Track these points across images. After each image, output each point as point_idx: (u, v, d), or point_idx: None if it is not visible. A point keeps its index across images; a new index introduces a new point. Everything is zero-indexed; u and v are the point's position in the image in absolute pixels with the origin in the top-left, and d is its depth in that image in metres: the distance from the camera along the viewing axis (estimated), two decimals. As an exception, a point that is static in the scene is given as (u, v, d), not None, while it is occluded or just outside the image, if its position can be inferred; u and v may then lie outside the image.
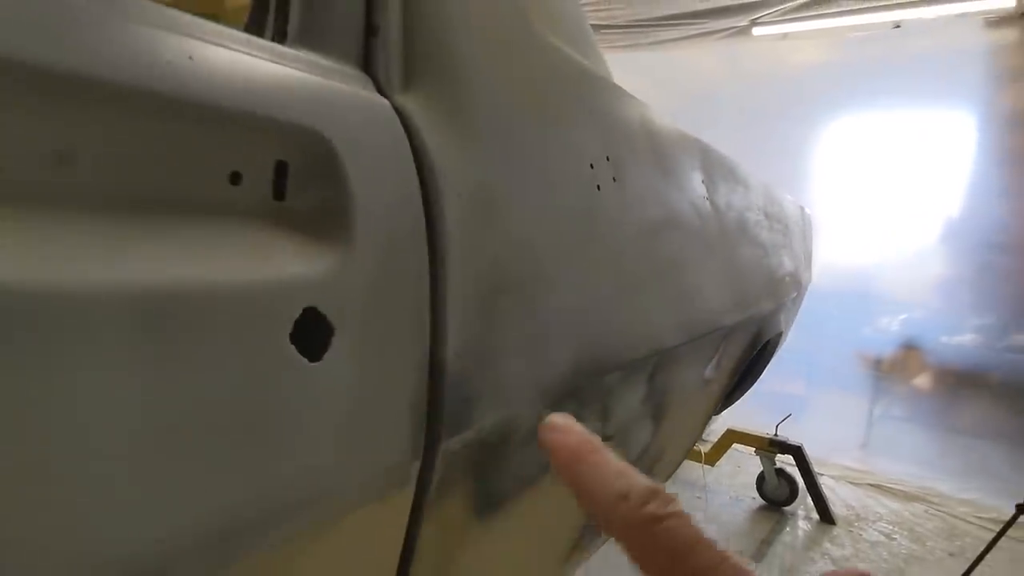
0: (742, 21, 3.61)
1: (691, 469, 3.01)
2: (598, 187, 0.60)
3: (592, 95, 0.64)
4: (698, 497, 2.90)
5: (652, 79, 4.19)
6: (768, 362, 1.74)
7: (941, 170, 3.41)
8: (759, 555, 2.49)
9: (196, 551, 0.25)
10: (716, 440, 2.99)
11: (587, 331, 0.54)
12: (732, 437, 2.93)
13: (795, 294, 1.63)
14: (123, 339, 0.23)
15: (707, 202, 0.96)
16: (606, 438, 0.67)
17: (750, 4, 3.48)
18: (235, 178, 0.29)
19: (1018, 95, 3.11)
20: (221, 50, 0.29)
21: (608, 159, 0.63)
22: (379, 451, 0.33)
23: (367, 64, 0.39)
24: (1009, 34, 3.12)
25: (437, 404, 0.36)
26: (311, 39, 0.36)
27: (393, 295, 0.34)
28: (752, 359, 1.45)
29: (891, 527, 2.76)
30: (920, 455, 3.37)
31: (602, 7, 3.69)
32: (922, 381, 3.65)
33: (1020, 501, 1.90)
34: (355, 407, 0.32)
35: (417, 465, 0.36)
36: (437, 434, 0.36)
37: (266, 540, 0.28)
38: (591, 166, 0.59)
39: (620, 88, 0.75)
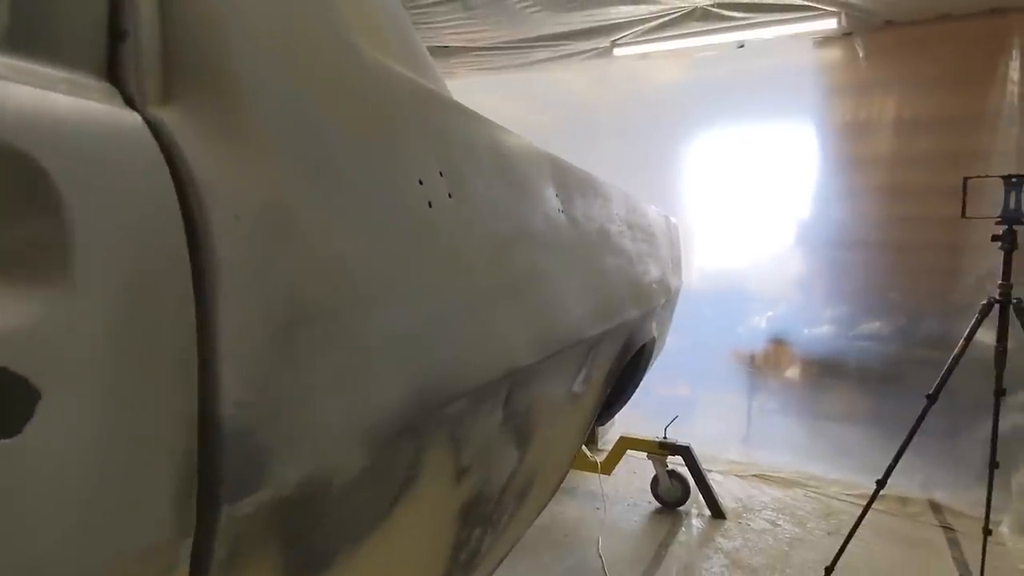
0: (604, 42, 3.76)
1: (589, 480, 3.04)
2: (429, 203, 0.57)
3: (422, 110, 0.61)
4: (597, 508, 2.93)
5: (526, 99, 4.28)
6: (646, 368, 1.78)
7: (790, 177, 3.70)
8: (658, 557, 2.54)
9: None
10: (610, 449, 3.05)
11: (423, 358, 0.50)
12: (625, 444, 2.99)
13: (664, 300, 1.68)
14: None
15: (561, 215, 0.95)
16: (462, 470, 0.64)
17: (610, 26, 3.63)
18: None
19: (847, 107, 3.44)
20: None
21: (441, 174, 0.60)
22: (125, 537, 0.27)
23: (112, 73, 0.33)
24: (835, 53, 3.45)
25: (213, 465, 0.31)
26: (26, 43, 0.30)
27: (137, 344, 0.28)
28: (628, 367, 1.47)
29: (775, 514, 2.92)
30: (794, 443, 3.61)
31: (465, 30, 3.72)
32: (790, 373, 3.91)
33: (879, 477, 2.05)
34: (81, 487, 0.26)
35: (189, 543, 0.30)
36: (216, 501, 0.31)
37: None
38: (420, 182, 0.56)
39: (459, 104, 0.72)
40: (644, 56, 3.87)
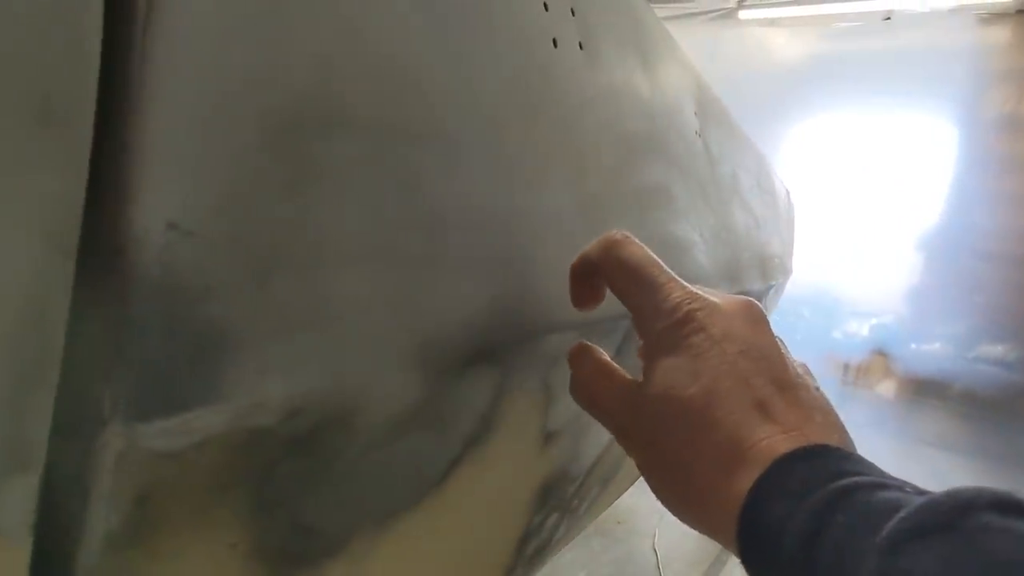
0: (729, 2, 3.43)
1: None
2: (554, 42, 0.38)
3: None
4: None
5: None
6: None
7: (923, 173, 3.29)
8: (720, 561, 2.34)
9: None
10: (678, 440, 2.83)
11: (518, 258, 0.33)
12: (695, 437, 2.77)
13: (781, 279, 1.45)
14: None
15: (699, 138, 0.75)
16: (550, 435, 0.46)
17: (739, -16, 3.31)
18: None
19: (1009, 98, 3.00)
20: None
21: (573, 13, 0.42)
22: None
23: None
24: (1002, 32, 3.00)
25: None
26: None
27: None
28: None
29: (855, 539, 2.64)
30: (882, 463, 3.26)
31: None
32: (887, 388, 3.56)
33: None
34: None
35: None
36: (100, 414, 0.15)
37: None
38: (545, 6, 0.38)
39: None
40: (772, 22, 3.51)
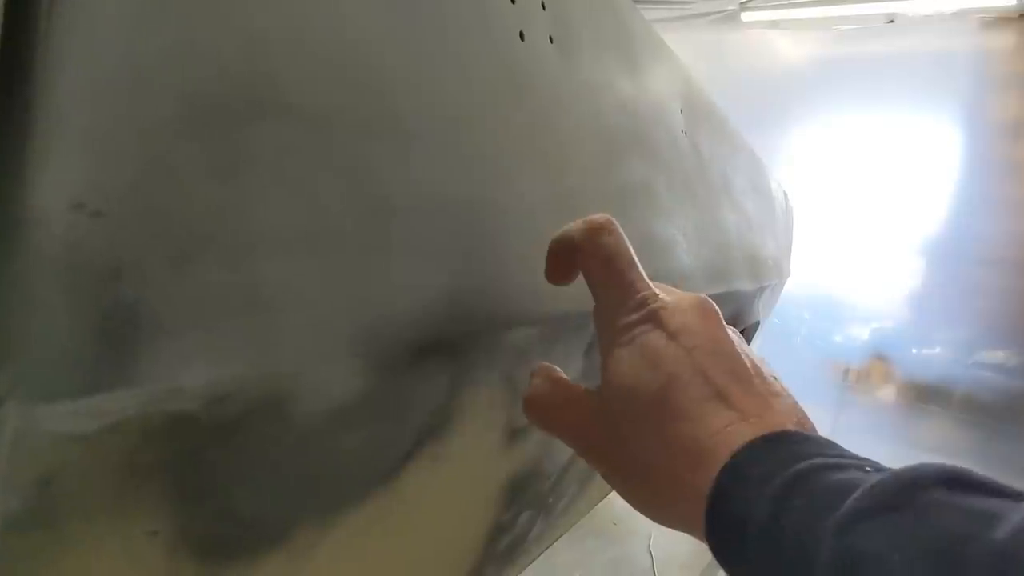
0: (731, 4, 3.42)
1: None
2: (521, 35, 0.38)
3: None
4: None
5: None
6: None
7: (925, 178, 3.28)
8: (715, 564, 2.32)
9: None
10: (675, 442, 2.83)
11: (476, 247, 0.33)
12: (692, 440, 2.77)
13: (776, 281, 1.44)
14: None
15: (684, 136, 0.74)
16: (516, 430, 0.46)
17: (742, -14, 3.30)
18: None
19: (1012, 103, 2.98)
20: None
21: (544, 6, 0.41)
22: None
23: None
24: (1007, 37, 2.98)
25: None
26: None
27: None
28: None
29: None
30: (881, 469, 3.27)
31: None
32: (887, 393, 3.55)
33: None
34: None
35: None
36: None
37: None
38: (512, 0, 0.38)
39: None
40: (775, 24, 3.50)
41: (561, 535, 0.83)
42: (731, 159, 1.04)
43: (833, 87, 3.45)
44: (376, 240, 0.26)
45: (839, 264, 3.54)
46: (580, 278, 0.35)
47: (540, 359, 0.39)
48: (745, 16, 3.46)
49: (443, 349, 0.31)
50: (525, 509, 0.53)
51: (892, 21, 3.19)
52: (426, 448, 0.33)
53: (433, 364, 0.31)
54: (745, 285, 1.05)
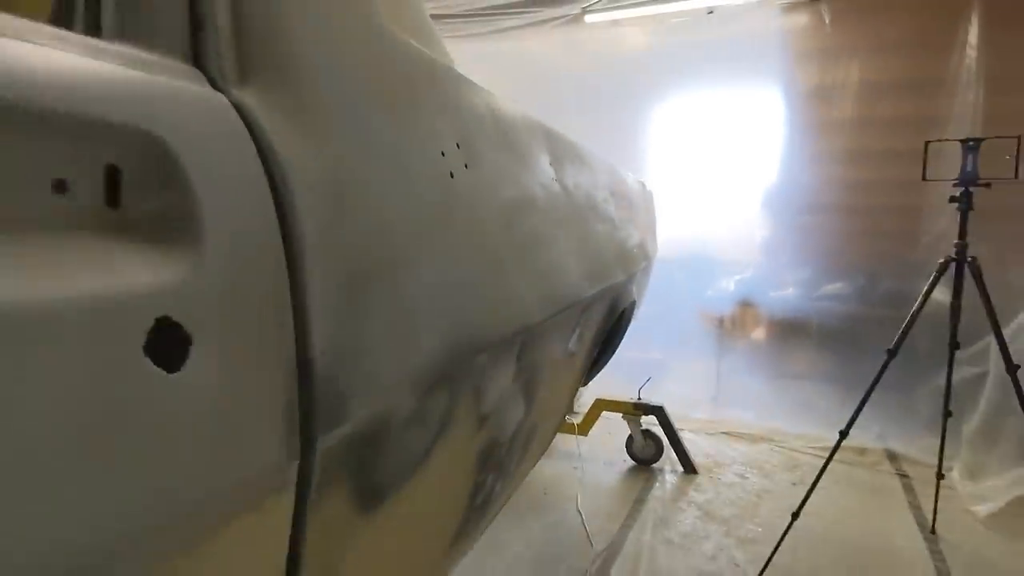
0: (575, 9, 3.77)
1: (567, 441, 3.14)
2: (451, 174, 0.61)
3: (439, 84, 0.65)
4: (575, 467, 3.03)
5: (496, 66, 4.25)
6: (625, 331, 1.86)
7: (758, 142, 3.78)
8: (635, 511, 2.66)
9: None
10: (587, 411, 3.15)
11: (454, 314, 0.56)
12: (601, 406, 3.10)
13: (644, 264, 1.75)
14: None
15: (556, 183, 1.00)
16: (482, 417, 0.69)
17: (581, -7, 3.64)
18: (59, 186, 0.26)
19: (812, 72, 3.53)
20: (28, 47, 0.26)
21: (459, 146, 0.64)
22: (252, 457, 0.32)
23: (197, 58, 0.37)
24: (801, 19, 3.52)
25: (309, 403, 0.36)
26: (129, 32, 0.34)
27: (252, 297, 0.33)
28: (610, 329, 1.54)
29: (744, 468, 3.06)
30: (761, 401, 3.76)
31: (438, -2, 3.70)
32: (757, 334, 4.05)
33: (841, 429, 2.17)
34: (223, 415, 0.30)
35: (296, 466, 0.35)
36: (313, 433, 0.36)
37: (146, 556, 0.27)
38: (442, 154, 0.60)
39: (465, 77, 0.76)
40: (615, 23, 3.89)
41: (511, 495, 1.07)
42: (591, 180, 1.31)
43: (669, 71, 3.89)
44: (416, 322, 0.49)
45: (702, 226, 4.01)
46: (509, 299, 0.59)
47: (492, 369, 0.63)
48: (588, 18, 3.82)
49: (445, 377, 0.55)
50: (491, 471, 0.77)
51: (712, 12, 3.66)
52: (440, 440, 0.56)
53: (442, 387, 0.54)
54: (619, 277, 1.33)
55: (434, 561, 0.64)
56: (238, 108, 0.36)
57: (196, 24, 0.37)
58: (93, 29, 0.33)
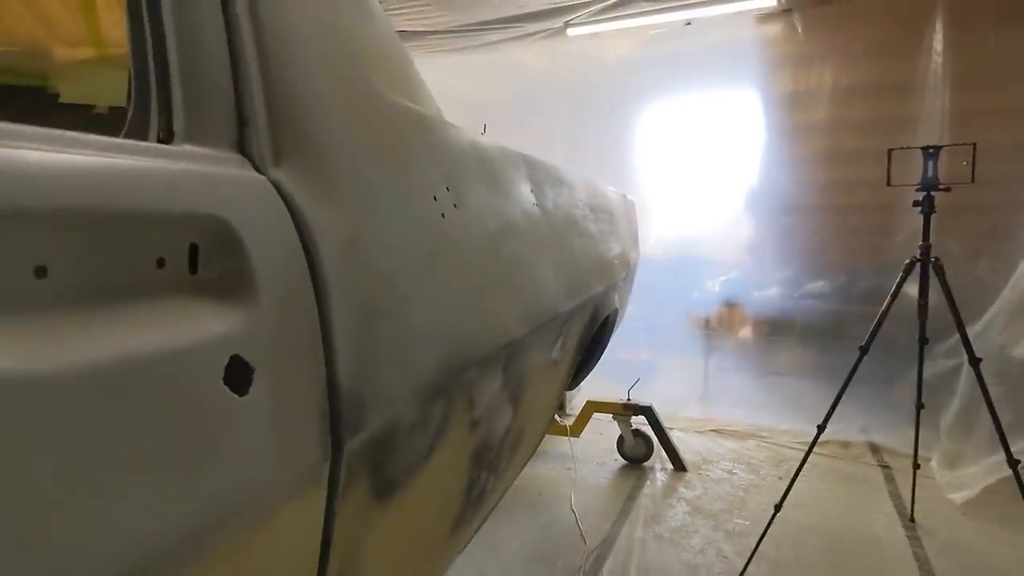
0: (557, 23, 3.89)
1: (560, 443, 3.25)
2: (442, 215, 0.72)
3: (429, 136, 0.75)
4: (568, 468, 3.13)
5: (483, 78, 4.37)
6: (610, 337, 1.97)
7: (738, 147, 3.91)
8: (626, 508, 2.76)
9: (170, 549, 0.34)
10: (578, 413, 3.25)
11: (447, 337, 0.66)
12: (592, 407, 3.20)
13: (625, 274, 1.86)
14: (96, 402, 0.31)
15: (536, 208, 1.11)
16: (475, 422, 0.80)
17: (563, 7, 3.76)
18: (160, 263, 0.37)
19: (787, 79, 3.66)
20: (132, 160, 0.37)
21: (448, 189, 0.75)
22: (298, 458, 0.42)
23: (242, 147, 0.47)
24: (775, 28, 3.65)
25: (337, 414, 0.46)
26: (195, 135, 0.44)
27: (293, 333, 0.43)
28: (594, 336, 1.65)
29: (731, 464, 3.18)
30: (748, 398, 3.88)
31: (425, 16, 3.80)
32: (743, 333, 4.17)
33: (819, 423, 2.28)
34: (277, 425, 0.41)
35: (327, 465, 0.46)
36: (341, 438, 0.46)
37: (224, 535, 0.37)
38: (434, 198, 0.71)
39: (449, 123, 0.87)
40: (596, 36, 4.01)
41: (504, 493, 1.18)
42: (570, 199, 1.41)
43: (650, 81, 4.02)
44: (416, 345, 0.60)
45: (688, 230, 4.13)
46: (493, 318, 0.69)
47: (482, 380, 0.74)
48: (571, 32, 3.94)
49: (442, 389, 0.65)
50: (484, 470, 0.87)
51: (689, 23, 3.79)
52: (439, 441, 0.67)
53: (439, 397, 0.65)
54: (598, 288, 1.44)
55: (437, 545, 0.75)
56: (276, 185, 0.47)
57: (242, 121, 0.47)
58: (166, 135, 0.43)
